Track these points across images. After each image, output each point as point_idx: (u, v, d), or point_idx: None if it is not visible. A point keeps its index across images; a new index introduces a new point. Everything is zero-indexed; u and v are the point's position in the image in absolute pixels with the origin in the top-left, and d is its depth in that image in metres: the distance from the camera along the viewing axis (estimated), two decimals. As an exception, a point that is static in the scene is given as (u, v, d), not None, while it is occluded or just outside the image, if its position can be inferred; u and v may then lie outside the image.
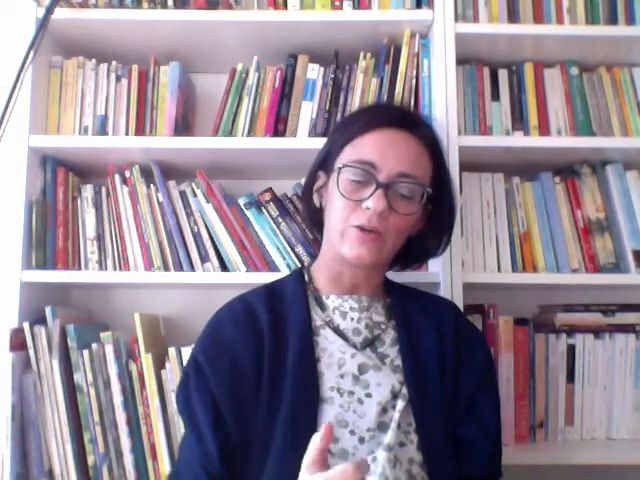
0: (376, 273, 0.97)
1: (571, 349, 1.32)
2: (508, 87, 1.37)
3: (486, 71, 1.37)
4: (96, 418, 1.15)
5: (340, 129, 0.99)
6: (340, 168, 0.89)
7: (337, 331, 0.91)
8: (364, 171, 0.88)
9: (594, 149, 1.31)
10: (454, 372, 0.91)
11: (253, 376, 0.85)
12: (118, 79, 1.34)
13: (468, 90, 1.34)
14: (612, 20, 1.34)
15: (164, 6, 1.29)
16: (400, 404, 0.86)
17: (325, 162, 0.97)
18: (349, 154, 0.91)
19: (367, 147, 0.90)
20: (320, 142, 1.26)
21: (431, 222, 0.97)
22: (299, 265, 1.25)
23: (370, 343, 0.91)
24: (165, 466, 1.15)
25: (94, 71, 1.33)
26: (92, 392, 1.15)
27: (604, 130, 1.35)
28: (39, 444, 1.14)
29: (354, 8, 1.31)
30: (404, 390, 0.88)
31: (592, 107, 1.36)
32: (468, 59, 1.35)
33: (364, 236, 0.87)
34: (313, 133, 1.30)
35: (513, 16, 1.33)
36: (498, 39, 1.32)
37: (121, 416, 1.16)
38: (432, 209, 0.96)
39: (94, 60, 1.34)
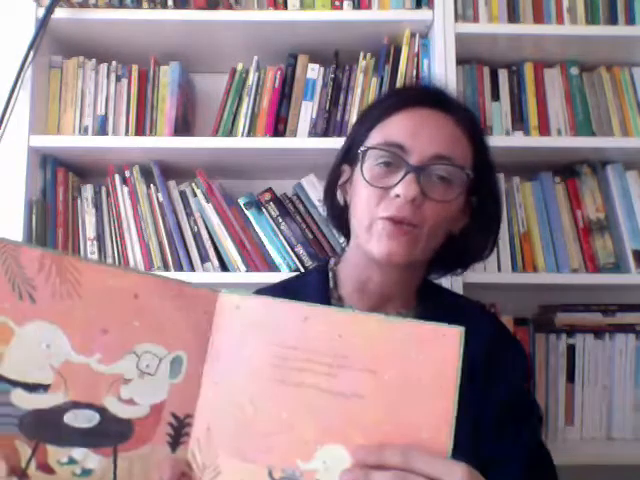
0: (410, 278, 0.83)
1: (571, 349, 1.32)
2: (508, 87, 1.37)
3: (486, 71, 1.37)
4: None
5: (365, 114, 0.87)
6: (364, 152, 0.76)
7: None
8: (392, 154, 0.75)
9: (594, 149, 1.31)
10: (479, 403, 0.75)
11: None
12: (118, 79, 1.34)
13: (468, 90, 1.34)
14: (612, 20, 1.34)
15: (164, 6, 1.29)
16: None
17: (349, 153, 0.83)
18: (374, 138, 0.78)
19: (395, 128, 0.77)
20: (320, 142, 1.28)
21: (476, 218, 0.82)
22: (299, 265, 1.26)
23: None
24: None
25: (94, 71, 1.33)
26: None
27: (604, 130, 1.35)
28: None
29: (354, 8, 1.30)
30: None
31: (592, 107, 1.36)
32: (468, 59, 1.35)
33: (395, 229, 0.73)
34: (313, 133, 1.30)
35: (513, 16, 1.33)
36: (498, 39, 1.32)
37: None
38: (476, 202, 0.81)
39: (94, 60, 1.34)
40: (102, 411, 0.48)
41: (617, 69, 1.39)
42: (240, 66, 1.33)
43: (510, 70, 1.38)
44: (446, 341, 0.48)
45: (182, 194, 1.30)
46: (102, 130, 1.31)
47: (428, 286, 0.87)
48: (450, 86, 1.19)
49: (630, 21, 1.34)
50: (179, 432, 0.50)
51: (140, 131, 1.32)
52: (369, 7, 1.31)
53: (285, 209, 1.29)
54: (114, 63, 1.34)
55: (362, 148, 0.77)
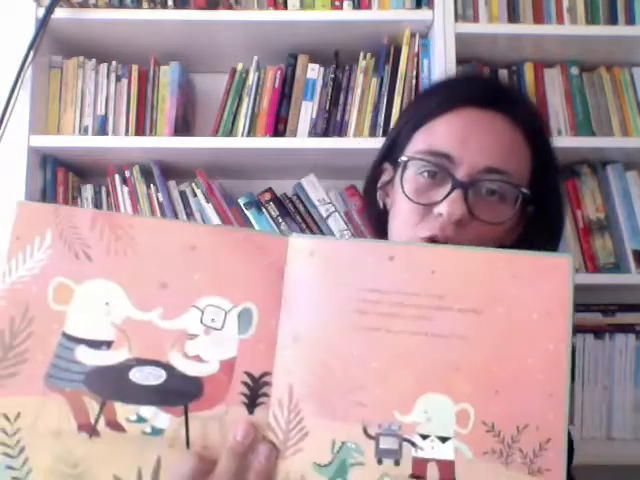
0: None
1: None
2: (508, 87, 1.37)
3: (486, 71, 1.37)
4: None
5: (410, 108, 0.77)
6: (405, 162, 0.67)
7: None
8: (436, 165, 0.65)
9: (594, 149, 1.31)
10: None
11: None
12: (118, 79, 1.34)
13: (468, 90, 1.34)
14: (612, 20, 1.34)
15: (164, 6, 1.28)
16: None
17: (391, 151, 0.74)
18: (418, 143, 0.68)
19: (441, 133, 0.66)
20: (320, 142, 1.28)
21: (533, 229, 0.72)
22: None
23: None
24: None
25: (94, 71, 1.33)
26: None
27: (604, 130, 1.35)
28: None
29: (354, 8, 1.30)
30: None
31: (592, 107, 1.36)
32: (468, 59, 1.35)
33: None
34: (313, 133, 1.29)
35: (513, 16, 1.33)
36: (498, 39, 1.31)
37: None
38: (534, 211, 0.70)
39: (94, 60, 1.34)
40: (168, 368, 0.47)
41: (617, 69, 1.39)
42: (240, 66, 1.33)
43: (510, 70, 1.38)
44: (556, 272, 0.44)
45: (182, 194, 1.30)
46: (102, 130, 1.31)
47: None
48: None
49: (630, 21, 1.34)
50: (255, 392, 0.47)
51: (140, 131, 1.32)
52: (369, 7, 1.30)
53: (285, 209, 1.29)
54: (114, 63, 1.34)
55: (403, 158, 0.68)
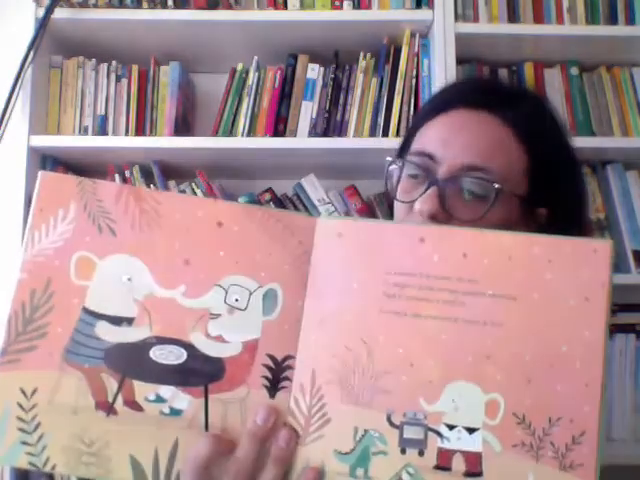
0: None
1: (571, 349, 1.32)
2: (508, 87, 1.37)
3: (486, 71, 1.37)
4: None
5: (414, 117, 0.80)
6: (400, 165, 0.69)
7: None
8: (418, 166, 0.66)
9: (594, 149, 1.31)
10: None
11: None
12: (118, 79, 1.34)
13: (468, 90, 1.34)
14: (612, 20, 1.34)
15: (164, 6, 1.28)
16: None
17: (402, 153, 0.75)
18: (414, 144, 0.71)
19: (429, 135, 0.68)
20: (320, 142, 1.27)
21: (549, 232, 0.69)
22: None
23: None
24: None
25: (94, 71, 1.33)
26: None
27: (604, 130, 1.35)
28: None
29: (354, 8, 1.30)
30: None
31: (592, 107, 1.36)
32: (468, 59, 1.35)
33: None
34: (313, 133, 1.29)
35: (513, 16, 1.33)
36: (498, 39, 1.31)
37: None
38: (547, 214, 0.68)
39: (94, 60, 1.34)
40: (189, 347, 0.46)
41: (617, 69, 1.39)
42: (240, 66, 1.33)
43: (510, 70, 1.38)
44: (596, 257, 0.42)
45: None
46: (102, 130, 1.31)
47: None
48: None
49: (630, 21, 1.34)
50: (277, 376, 0.45)
51: (140, 131, 1.32)
52: (369, 7, 1.30)
53: (285, 209, 1.29)
54: (114, 63, 1.34)
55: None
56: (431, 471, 0.42)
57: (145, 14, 1.28)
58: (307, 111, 1.30)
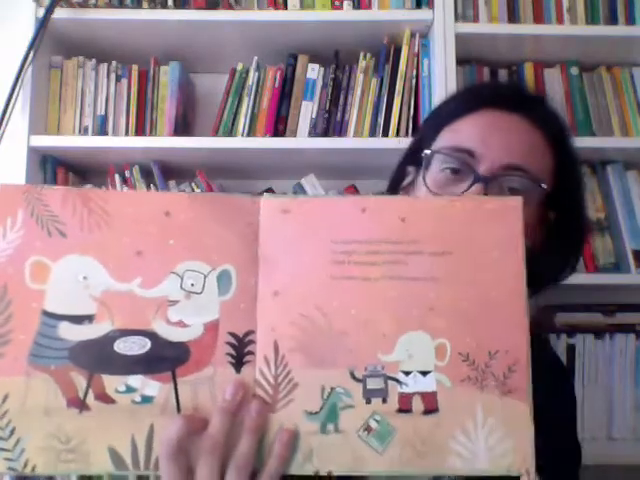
0: None
1: (571, 349, 1.32)
2: (508, 87, 1.37)
3: (486, 71, 1.37)
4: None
5: (434, 113, 0.80)
6: (429, 156, 0.69)
7: None
8: (459, 160, 0.67)
9: (594, 149, 1.31)
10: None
11: None
12: (118, 79, 1.34)
13: (468, 90, 1.34)
14: (612, 20, 1.34)
15: (164, 6, 1.29)
16: None
17: (415, 154, 0.75)
18: (443, 141, 0.71)
19: (465, 132, 0.69)
20: (320, 142, 1.28)
21: (554, 235, 0.72)
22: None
23: None
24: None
25: (94, 71, 1.33)
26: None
27: (604, 130, 1.35)
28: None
29: (354, 8, 1.30)
30: None
31: (592, 107, 1.36)
32: (468, 59, 1.35)
33: None
34: (313, 133, 1.29)
35: (513, 16, 1.33)
36: (498, 39, 1.32)
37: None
38: (556, 217, 0.72)
39: (94, 60, 1.34)
40: (152, 336, 0.47)
41: (617, 69, 1.39)
42: (240, 66, 1.33)
43: (510, 70, 1.38)
44: (510, 212, 0.49)
45: (182, 194, 1.30)
46: (102, 130, 1.31)
47: None
48: (450, 86, 1.15)
49: (630, 21, 1.34)
50: (241, 351, 0.47)
51: (140, 131, 1.32)
52: (369, 7, 1.30)
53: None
54: (114, 63, 1.34)
55: (427, 151, 0.70)
56: (395, 415, 0.47)
57: (145, 14, 1.28)
58: (307, 111, 1.30)
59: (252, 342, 0.48)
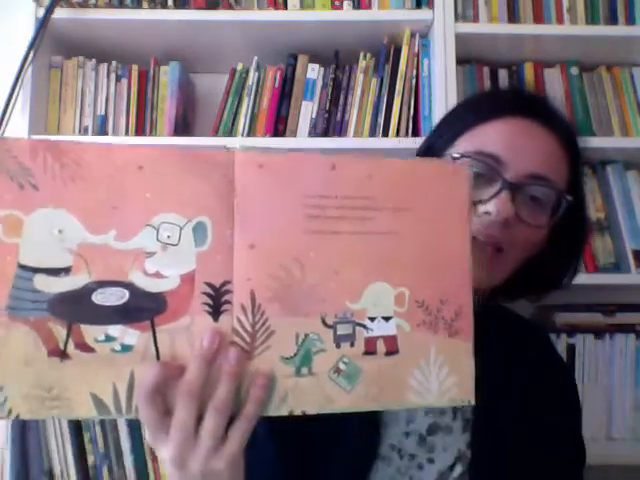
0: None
1: (571, 349, 1.32)
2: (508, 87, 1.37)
3: (486, 71, 1.37)
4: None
5: (449, 119, 0.78)
6: (454, 159, 0.68)
7: None
8: (486, 165, 0.66)
9: (594, 149, 1.31)
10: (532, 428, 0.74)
11: None
12: (118, 79, 1.34)
13: (468, 90, 1.34)
14: (612, 20, 1.34)
15: (164, 6, 1.29)
16: (458, 470, 0.71)
17: (430, 155, 0.75)
18: (463, 146, 0.70)
19: (491, 137, 0.68)
20: (320, 142, 1.28)
21: (557, 241, 0.73)
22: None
23: None
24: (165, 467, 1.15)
25: (94, 71, 1.33)
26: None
27: (604, 130, 1.35)
28: (39, 443, 1.14)
29: (354, 8, 1.30)
30: (468, 453, 0.72)
31: (592, 107, 1.36)
32: (468, 59, 1.35)
33: (479, 250, 0.62)
34: (313, 133, 1.30)
35: (513, 16, 1.33)
36: (498, 39, 1.31)
37: (121, 416, 1.16)
38: (561, 223, 0.73)
39: (94, 60, 1.34)
40: (130, 287, 0.48)
41: (617, 69, 1.39)
42: (240, 66, 1.33)
43: (510, 70, 1.38)
44: (462, 177, 0.54)
45: (182, 194, 1.31)
46: (102, 130, 1.31)
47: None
48: (450, 86, 1.15)
49: (630, 21, 1.34)
50: (218, 301, 0.49)
51: (140, 131, 1.32)
52: (369, 7, 1.30)
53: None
54: (114, 63, 1.34)
55: (455, 155, 0.68)
56: (361, 357, 0.51)
57: (145, 14, 1.28)
58: (307, 111, 1.30)
59: (229, 292, 0.49)
